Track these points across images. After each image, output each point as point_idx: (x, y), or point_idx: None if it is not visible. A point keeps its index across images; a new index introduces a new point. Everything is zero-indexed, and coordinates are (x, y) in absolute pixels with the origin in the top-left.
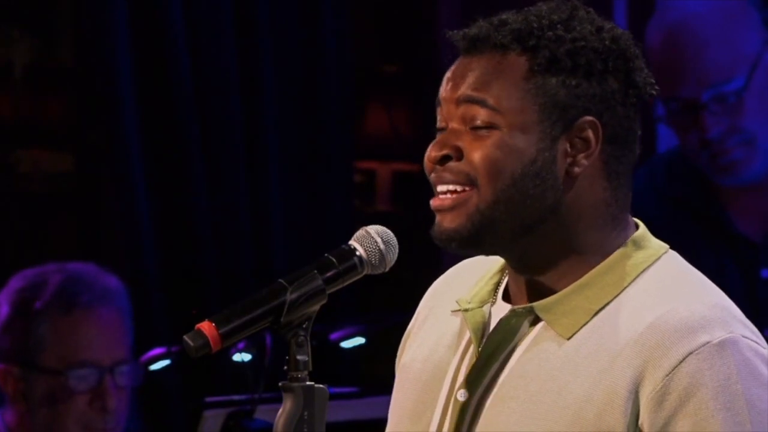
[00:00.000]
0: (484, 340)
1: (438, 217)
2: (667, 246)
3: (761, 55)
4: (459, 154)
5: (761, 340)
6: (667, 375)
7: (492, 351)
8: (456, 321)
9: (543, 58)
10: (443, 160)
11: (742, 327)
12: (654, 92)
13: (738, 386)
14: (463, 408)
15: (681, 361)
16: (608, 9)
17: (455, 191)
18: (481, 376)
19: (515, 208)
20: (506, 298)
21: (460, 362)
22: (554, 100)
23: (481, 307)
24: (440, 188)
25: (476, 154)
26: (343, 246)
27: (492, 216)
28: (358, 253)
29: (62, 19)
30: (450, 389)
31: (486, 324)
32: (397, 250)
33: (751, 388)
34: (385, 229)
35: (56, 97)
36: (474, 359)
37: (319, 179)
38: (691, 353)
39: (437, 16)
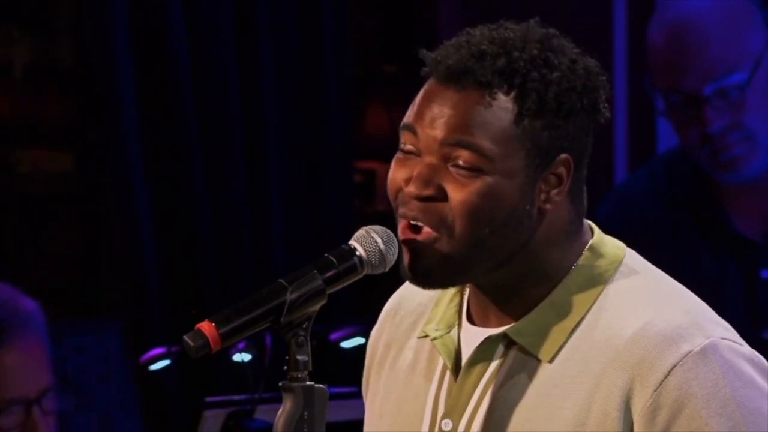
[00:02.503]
0: (461, 367)
1: (405, 255)
2: (623, 246)
3: (764, 54)
4: (443, 196)
5: (737, 336)
6: (655, 390)
7: (471, 378)
8: (425, 347)
9: (532, 102)
10: (425, 199)
11: (718, 328)
12: (608, 115)
13: (726, 390)
14: None
15: (667, 375)
16: (608, 9)
17: (422, 229)
18: (463, 405)
19: (489, 251)
20: (470, 318)
21: (438, 390)
22: (539, 144)
23: (449, 332)
24: (407, 221)
25: (458, 197)
26: (343, 246)
27: (463, 260)
28: (358, 253)
29: (62, 19)
30: (432, 419)
31: (458, 349)
32: (397, 250)
33: (738, 389)
34: (385, 229)
35: (56, 97)
36: (453, 387)
37: (319, 179)
38: (675, 365)
39: (437, 16)
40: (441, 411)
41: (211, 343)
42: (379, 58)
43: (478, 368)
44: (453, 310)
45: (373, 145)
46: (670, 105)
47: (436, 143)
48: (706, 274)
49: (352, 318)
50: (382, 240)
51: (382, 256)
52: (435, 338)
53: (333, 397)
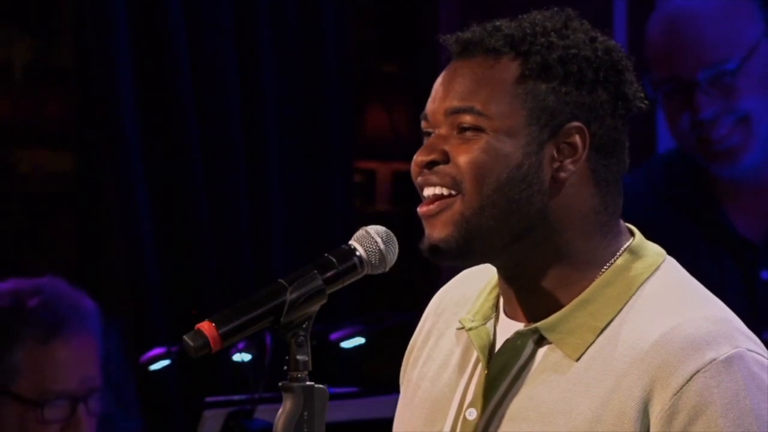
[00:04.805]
0: (492, 358)
1: (427, 228)
2: (664, 253)
3: (760, 42)
4: (446, 158)
5: (765, 350)
6: (675, 394)
7: (499, 371)
8: (463, 339)
9: (534, 63)
10: (430, 164)
11: (747, 340)
12: (643, 105)
13: (746, 402)
14: (472, 427)
15: (688, 380)
16: (608, 9)
17: (441, 196)
18: (490, 396)
19: (502, 214)
20: (505, 311)
21: (468, 381)
22: (543, 106)
23: (485, 323)
24: (426, 191)
25: (462, 158)
26: (343, 246)
27: (479, 222)
28: (358, 253)
29: (62, 19)
30: (459, 408)
31: (492, 341)
32: (397, 250)
33: (759, 402)
34: (385, 229)
35: (56, 97)
36: (482, 378)
37: (319, 179)
38: (698, 371)
39: (437, 16)
40: (468, 400)
41: (211, 343)
42: (379, 58)
43: (508, 361)
44: (491, 302)
45: (373, 145)
46: (664, 95)
47: (442, 114)
48: (706, 274)
49: (352, 318)
50: (382, 240)
51: (382, 256)
52: (470, 329)
53: (333, 397)
